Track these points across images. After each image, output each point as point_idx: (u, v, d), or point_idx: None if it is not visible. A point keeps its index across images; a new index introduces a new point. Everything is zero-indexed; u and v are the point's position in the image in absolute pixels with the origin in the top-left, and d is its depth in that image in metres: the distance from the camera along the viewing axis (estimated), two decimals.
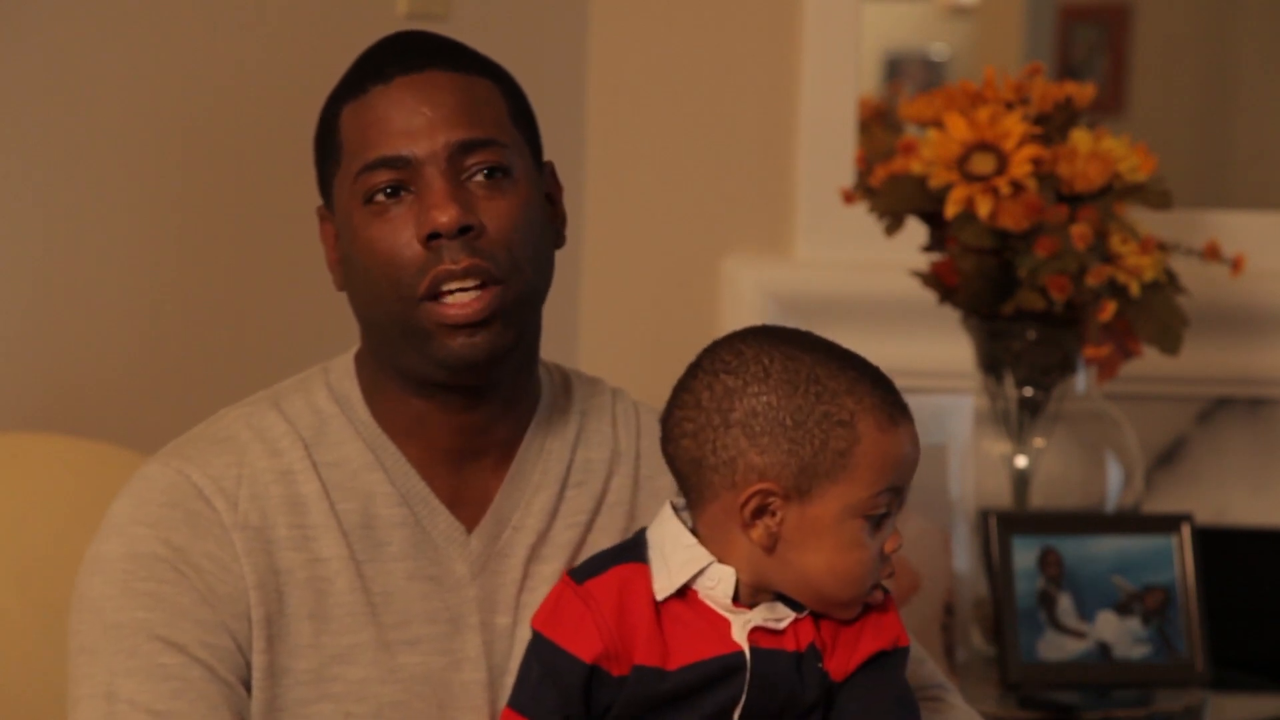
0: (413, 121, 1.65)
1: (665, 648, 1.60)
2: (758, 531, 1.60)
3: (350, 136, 1.68)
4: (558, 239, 1.75)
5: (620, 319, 3.02)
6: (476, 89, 1.68)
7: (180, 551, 1.65)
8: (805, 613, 1.62)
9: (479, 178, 1.66)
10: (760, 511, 1.60)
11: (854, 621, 1.63)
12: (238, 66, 2.56)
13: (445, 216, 1.63)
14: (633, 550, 1.65)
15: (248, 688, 1.65)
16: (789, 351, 1.61)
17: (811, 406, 1.59)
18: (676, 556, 1.62)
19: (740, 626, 1.61)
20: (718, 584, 1.61)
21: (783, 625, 1.61)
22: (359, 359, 1.75)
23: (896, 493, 1.61)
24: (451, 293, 1.64)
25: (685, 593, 1.62)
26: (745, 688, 1.59)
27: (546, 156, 1.77)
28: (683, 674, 1.60)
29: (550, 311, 1.74)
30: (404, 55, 1.68)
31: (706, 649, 1.60)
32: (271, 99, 2.56)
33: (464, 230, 1.64)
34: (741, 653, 1.60)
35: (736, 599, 1.62)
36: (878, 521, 1.61)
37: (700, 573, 1.62)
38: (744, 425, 1.60)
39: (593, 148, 3.00)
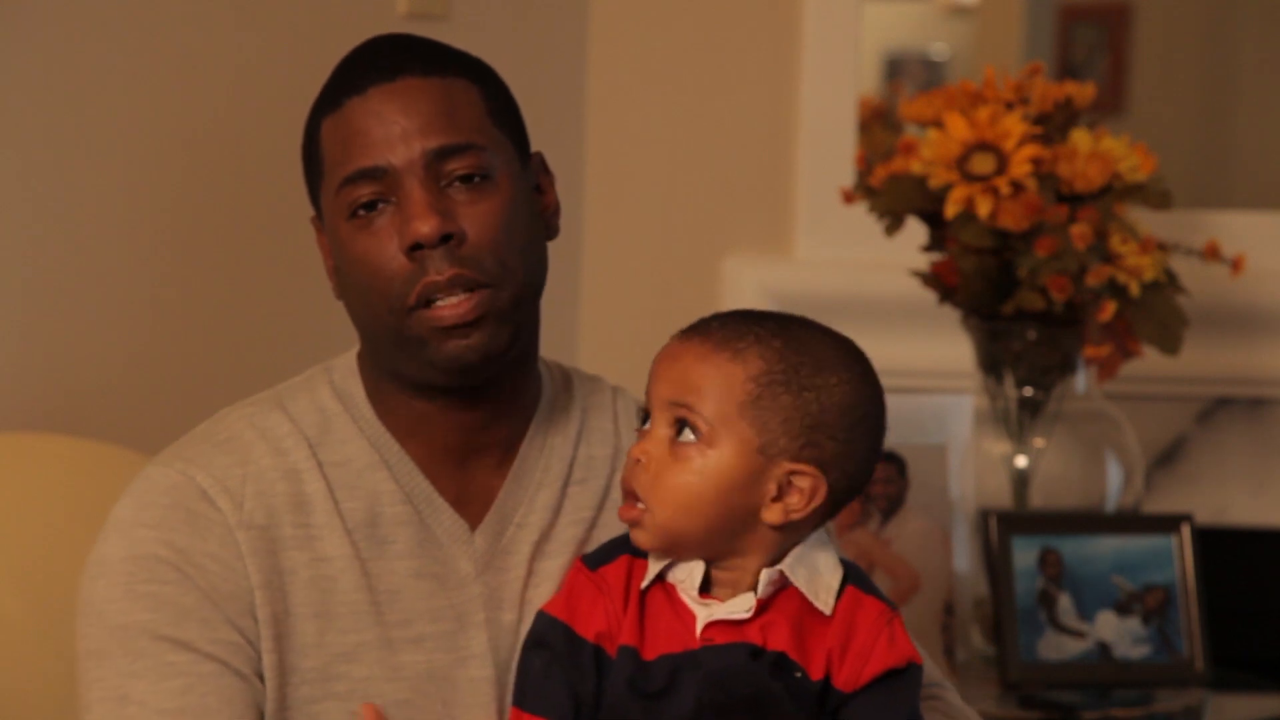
0: (389, 131, 1.65)
1: (645, 636, 1.62)
2: None
3: (330, 150, 1.68)
4: (549, 231, 1.75)
5: (620, 319, 3.02)
6: (453, 91, 1.68)
7: (183, 552, 1.65)
8: (758, 595, 1.62)
9: (459, 184, 1.66)
10: None
11: (866, 636, 1.64)
12: (237, 66, 2.56)
13: (426, 227, 1.63)
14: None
15: (263, 680, 1.65)
16: None
17: None
18: None
19: (702, 623, 1.62)
20: (687, 576, 1.63)
21: (743, 614, 1.62)
22: (361, 359, 1.76)
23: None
24: (439, 304, 1.64)
25: (666, 584, 1.64)
26: (702, 684, 1.60)
27: (546, 155, 1.77)
28: (657, 665, 1.61)
29: (550, 311, 1.74)
30: (377, 64, 1.68)
31: (674, 643, 1.62)
32: (271, 99, 2.56)
33: (445, 239, 1.64)
34: (700, 649, 1.61)
35: (706, 591, 1.63)
36: None
37: (672, 564, 1.63)
38: None
39: (593, 148, 3.00)
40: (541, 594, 1.72)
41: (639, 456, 1.62)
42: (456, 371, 1.66)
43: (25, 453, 2.20)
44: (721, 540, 1.63)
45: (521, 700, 1.64)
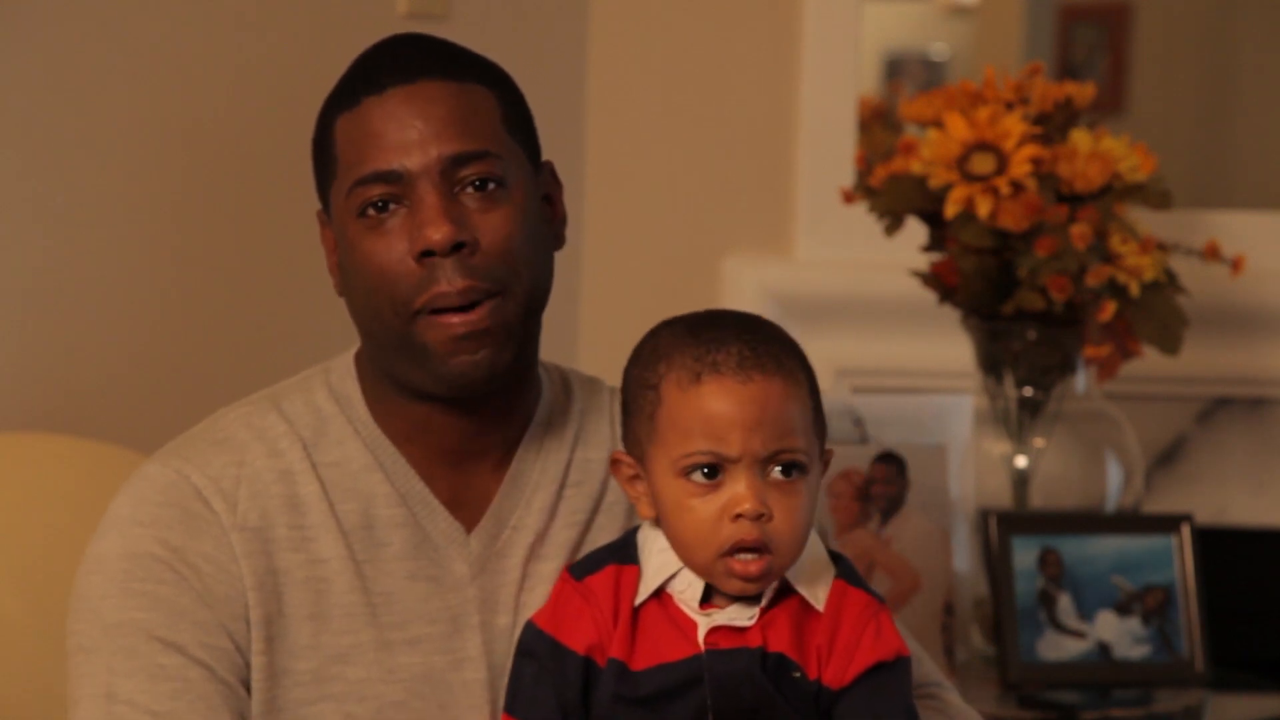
0: (406, 135, 1.65)
1: (636, 648, 1.61)
2: (637, 503, 1.65)
3: (345, 148, 1.67)
4: (557, 240, 1.75)
5: (620, 319, 3.01)
6: (471, 97, 1.68)
7: (177, 552, 1.65)
8: (763, 602, 1.61)
9: (471, 190, 1.66)
10: (634, 480, 1.64)
11: (851, 630, 1.63)
12: (238, 66, 2.56)
13: (439, 234, 1.63)
14: (623, 551, 1.66)
15: (247, 688, 1.65)
16: (661, 326, 1.65)
17: (639, 376, 1.64)
18: (652, 561, 1.64)
19: (704, 629, 1.61)
20: (688, 588, 1.62)
21: (745, 622, 1.61)
22: (359, 359, 1.75)
23: (715, 454, 1.58)
24: (448, 311, 1.64)
25: (661, 595, 1.63)
26: (707, 689, 1.59)
27: (546, 156, 1.76)
28: (650, 675, 1.60)
29: (550, 311, 1.74)
30: (397, 64, 1.68)
31: (672, 652, 1.61)
32: (271, 99, 2.57)
33: (458, 247, 1.63)
34: (705, 653, 1.60)
35: (708, 601, 1.62)
36: (705, 476, 1.59)
37: (672, 577, 1.63)
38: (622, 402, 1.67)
39: (593, 148, 3.00)
40: (536, 597, 1.72)
41: (761, 511, 1.58)
42: (459, 386, 1.66)
43: (25, 453, 2.20)
44: None
45: (513, 706, 1.64)
